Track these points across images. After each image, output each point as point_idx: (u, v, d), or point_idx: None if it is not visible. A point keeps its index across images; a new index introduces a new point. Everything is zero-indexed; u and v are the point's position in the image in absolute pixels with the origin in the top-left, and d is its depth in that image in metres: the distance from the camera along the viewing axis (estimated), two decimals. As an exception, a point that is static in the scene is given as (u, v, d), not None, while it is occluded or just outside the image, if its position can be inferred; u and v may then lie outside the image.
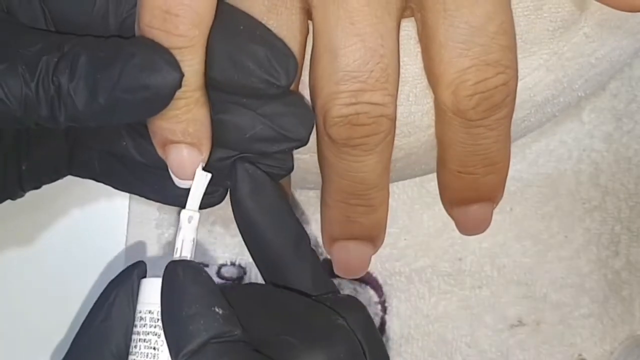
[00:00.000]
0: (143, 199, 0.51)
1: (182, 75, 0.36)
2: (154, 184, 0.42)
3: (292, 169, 0.41)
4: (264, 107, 0.39)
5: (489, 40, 0.38)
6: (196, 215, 0.40)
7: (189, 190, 0.39)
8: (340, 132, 0.39)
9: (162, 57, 0.36)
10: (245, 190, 0.40)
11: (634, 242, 0.55)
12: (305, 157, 0.42)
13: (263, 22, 0.39)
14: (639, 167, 0.55)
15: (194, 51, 0.37)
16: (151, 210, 0.54)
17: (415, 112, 0.41)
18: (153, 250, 0.54)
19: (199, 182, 0.39)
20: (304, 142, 0.40)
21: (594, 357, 0.55)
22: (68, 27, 0.38)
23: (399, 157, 0.42)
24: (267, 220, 0.40)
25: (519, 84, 0.41)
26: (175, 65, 0.36)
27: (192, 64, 0.37)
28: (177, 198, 0.40)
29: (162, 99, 0.36)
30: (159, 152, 0.39)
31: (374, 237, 0.44)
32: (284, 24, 0.39)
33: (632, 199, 0.55)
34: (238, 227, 0.41)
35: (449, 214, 0.44)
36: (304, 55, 0.40)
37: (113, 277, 0.53)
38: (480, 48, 0.38)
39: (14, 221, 0.55)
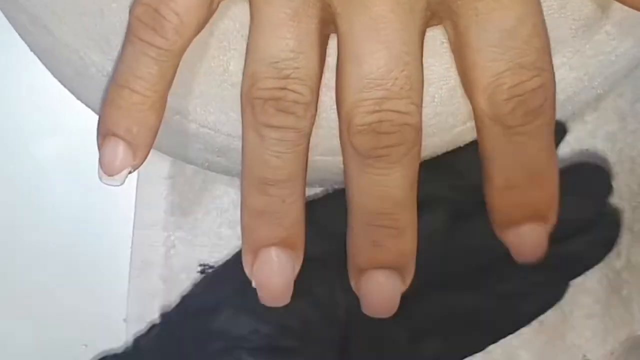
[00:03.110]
0: (149, 201, 0.51)
1: None
2: None
3: None
4: None
5: (523, 43, 0.38)
6: None
7: None
8: (364, 141, 0.38)
9: None
10: None
11: (635, 243, 0.55)
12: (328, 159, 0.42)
13: (283, 30, 0.38)
14: (643, 168, 0.55)
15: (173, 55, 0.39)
16: (157, 213, 0.54)
17: (440, 113, 0.41)
18: (159, 253, 0.54)
19: None
20: None
21: (597, 357, 0.56)
22: None
23: (422, 156, 0.42)
24: None
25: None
26: None
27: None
28: None
29: None
30: (98, 138, 0.40)
31: (401, 267, 0.41)
32: (303, 32, 0.38)
33: (635, 199, 0.55)
34: None
35: (504, 240, 0.43)
36: (323, 65, 0.40)
37: (116, 280, 0.53)
38: (515, 51, 0.38)
39: (17, 222, 0.54)
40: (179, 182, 0.54)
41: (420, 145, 0.39)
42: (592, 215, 0.43)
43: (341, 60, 0.39)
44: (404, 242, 0.41)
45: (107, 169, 0.39)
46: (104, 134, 0.39)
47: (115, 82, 0.39)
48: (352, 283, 0.42)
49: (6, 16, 0.44)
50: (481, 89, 0.39)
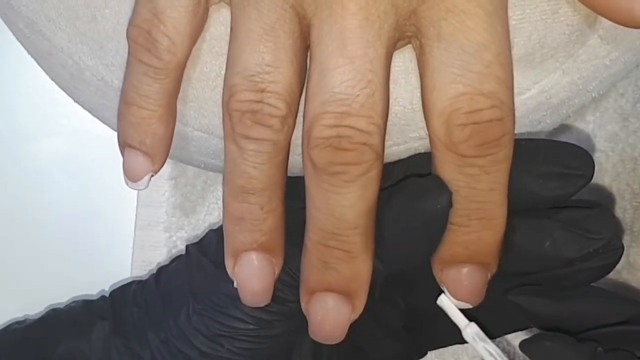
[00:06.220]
0: (151, 202, 0.52)
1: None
2: None
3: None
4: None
5: (484, 69, 0.37)
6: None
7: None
8: (321, 155, 0.38)
9: None
10: None
11: (633, 243, 0.55)
12: None
13: (260, 44, 0.38)
14: (645, 167, 0.55)
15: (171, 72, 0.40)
16: (159, 214, 0.54)
17: None
18: (161, 253, 0.54)
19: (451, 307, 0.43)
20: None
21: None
22: None
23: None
24: None
25: (536, 87, 0.41)
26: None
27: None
28: None
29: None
30: (120, 149, 0.42)
31: (352, 293, 0.41)
32: (280, 46, 0.38)
33: (636, 199, 0.55)
34: None
35: (439, 279, 0.42)
36: (304, 78, 0.40)
37: (119, 280, 0.53)
38: (475, 76, 0.37)
39: (21, 224, 0.54)
40: (180, 183, 0.54)
41: (381, 170, 0.39)
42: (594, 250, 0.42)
43: (310, 71, 0.39)
44: (356, 268, 0.40)
45: (130, 176, 0.42)
46: (122, 145, 0.42)
47: (124, 100, 0.41)
48: (302, 304, 0.42)
49: (5, 22, 0.45)
50: (438, 112, 0.38)
